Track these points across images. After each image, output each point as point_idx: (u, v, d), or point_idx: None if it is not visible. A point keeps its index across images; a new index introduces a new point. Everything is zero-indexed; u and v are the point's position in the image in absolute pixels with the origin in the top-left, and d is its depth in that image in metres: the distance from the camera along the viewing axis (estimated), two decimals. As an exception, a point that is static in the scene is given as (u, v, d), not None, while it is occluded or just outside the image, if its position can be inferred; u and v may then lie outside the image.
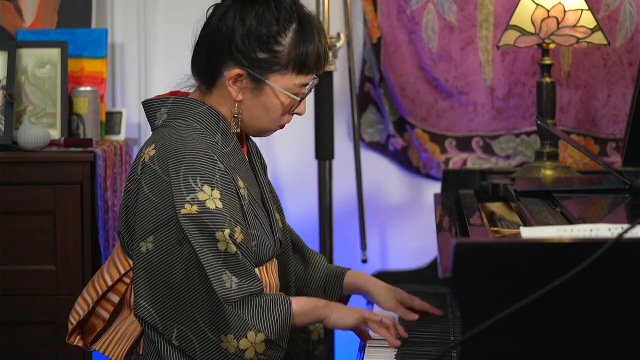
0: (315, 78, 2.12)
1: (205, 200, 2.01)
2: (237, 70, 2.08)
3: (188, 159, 2.03)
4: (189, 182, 2.01)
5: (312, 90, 2.16)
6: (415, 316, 2.28)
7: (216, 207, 2.01)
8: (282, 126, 2.17)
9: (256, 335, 2.00)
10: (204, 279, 1.99)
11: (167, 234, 2.02)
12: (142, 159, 2.08)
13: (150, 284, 2.03)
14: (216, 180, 2.03)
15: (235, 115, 2.12)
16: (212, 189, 2.02)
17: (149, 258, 2.03)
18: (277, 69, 2.07)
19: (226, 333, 1.99)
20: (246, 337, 1.99)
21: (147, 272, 2.03)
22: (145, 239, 2.03)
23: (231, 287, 2.00)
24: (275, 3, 2.07)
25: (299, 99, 2.12)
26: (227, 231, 2.00)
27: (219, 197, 2.02)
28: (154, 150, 2.07)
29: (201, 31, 2.15)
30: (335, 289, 2.37)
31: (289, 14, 2.08)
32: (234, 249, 2.01)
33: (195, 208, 2.00)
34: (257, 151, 2.30)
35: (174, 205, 2.01)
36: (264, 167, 2.30)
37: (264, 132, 2.18)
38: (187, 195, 2.01)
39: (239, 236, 2.03)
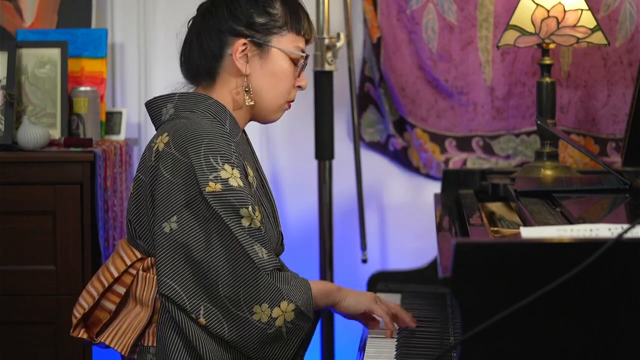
0: (307, 56, 2.24)
1: (227, 179, 2.07)
2: (241, 41, 2.18)
3: (206, 139, 2.09)
4: (210, 161, 2.07)
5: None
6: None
7: (238, 185, 2.08)
8: (289, 105, 2.25)
9: (288, 304, 2.06)
10: (236, 252, 2.05)
11: (191, 212, 2.06)
12: (155, 148, 2.12)
13: (176, 263, 2.06)
14: (234, 160, 2.09)
15: (247, 89, 2.19)
16: (232, 168, 2.09)
17: (174, 237, 2.06)
18: (277, 30, 2.20)
19: (260, 302, 2.04)
20: (279, 306, 2.05)
21: (172, 251, 2.06)
22: (169, 219, 2.07)
23: (263, 257, 2.07)
24: None
25: (303, 55, 2.22)
26: (250, 207, 2.07)
27: (239, 176, 2.09)
28: (168, 137, 2.11)
29: (189, 31, 2.24)
30: None
31: None
32: (258, 224, 2.08)
33: (219, 186, 2.06)
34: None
35: (197, 185, 2.06)
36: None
37: (272, 112, 2.24)
38: (210, 174, 2.06)
39: (258, 214, 2.09)
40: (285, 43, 2.20)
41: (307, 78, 2.27)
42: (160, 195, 2.08)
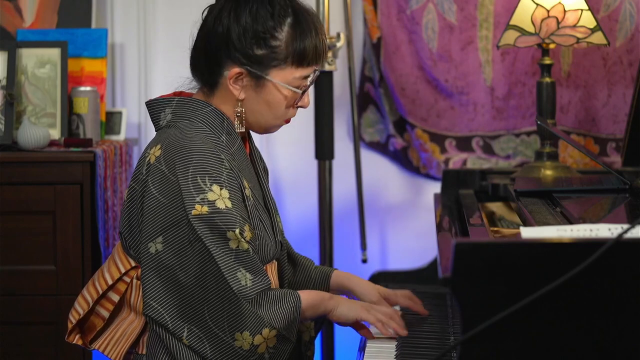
0: (315, 70, 2.13)
1: (215, 201, 2.02)
2: (236, 70, 2.09)
3: (196, 158, 2.04)
4: (198, 182, 2.02)
5: (313, 85, 2.14)
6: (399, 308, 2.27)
7: (226, 206, 2.03)
8: (287, 121, 2.18)
9: (270, 331, 2.02)
10: (218, 277, 2.01)
11: (177, 234, 2.03)
12: (147, 160, 2.08)
13: (160, 285, 2.04)
14: (224, 179, 2.04)
15: (239, 114, 2.12)
16: (220, 189, 2.03)
17: (159, 259, 2.03)
18: (276, 64, 2.09)
19: (242, 330, 2.01)
20: (261, 333, 2.02)
21: (156, 273, 2.04)
22: (154, 239, 2.04)
23: (246, 284, 2.02)
24: None
25: (300, 92, 2.12)
26: (237, 230, 2.02)
27: (228, 196, 2.04)
28: (160, 151, 2.07)
29: (198, 32, 2.16)
30: (323, 289, 2.37)
31: (283, 9, 2.09)
32: (245, 246, 2.03)
33: (205, 209, 2.01)
34: (259, 154, 2.30)
35: (184, 206, 2.02)
36: (265, 171, 2.31)
37: (269, 129, 2.19)
38: (197, 196, 2.01)
39: (248, 234, 2.05)
40: (284, 76, 2.09)
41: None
42: (147, 214, 2.05)
